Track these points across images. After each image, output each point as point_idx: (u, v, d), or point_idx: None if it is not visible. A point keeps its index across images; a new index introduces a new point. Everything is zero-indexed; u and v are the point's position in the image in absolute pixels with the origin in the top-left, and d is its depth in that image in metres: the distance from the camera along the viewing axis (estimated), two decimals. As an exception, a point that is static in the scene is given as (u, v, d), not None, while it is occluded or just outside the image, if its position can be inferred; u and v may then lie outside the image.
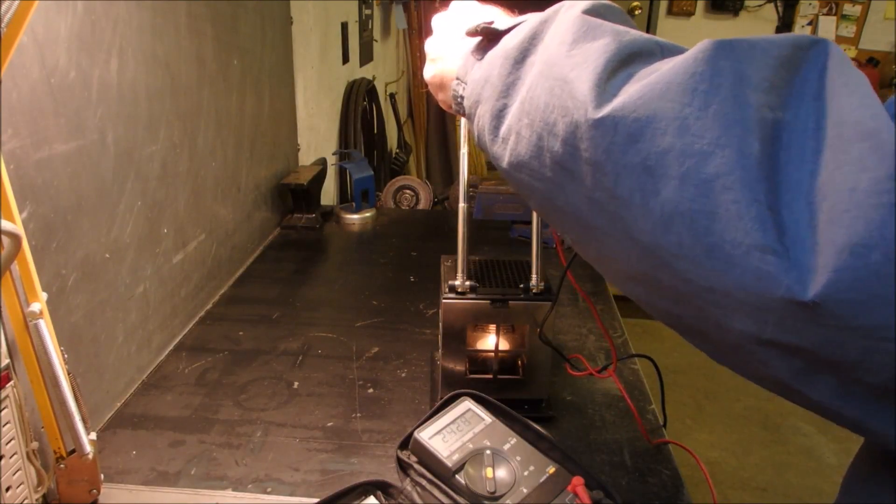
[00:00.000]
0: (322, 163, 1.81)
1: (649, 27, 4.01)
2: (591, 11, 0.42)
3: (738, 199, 0.31)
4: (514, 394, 0.90)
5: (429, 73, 0.61)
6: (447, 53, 0.58)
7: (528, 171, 0.43)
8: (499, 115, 0.46)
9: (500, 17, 0.53)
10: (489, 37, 0.51)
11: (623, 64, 0.38)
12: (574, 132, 0.38)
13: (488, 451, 0.70)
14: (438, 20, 0.61)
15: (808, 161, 0.31)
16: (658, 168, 0.34)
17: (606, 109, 0.36)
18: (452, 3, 0.62)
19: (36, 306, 0.65)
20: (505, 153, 0.45)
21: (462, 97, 0.52)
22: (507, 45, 0.47)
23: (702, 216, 0.32)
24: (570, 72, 0.39)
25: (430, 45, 0.61)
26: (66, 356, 0.69)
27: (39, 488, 0.71)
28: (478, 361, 0.91)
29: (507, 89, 0.45)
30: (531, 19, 0.47)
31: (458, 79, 0.53)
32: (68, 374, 0.69)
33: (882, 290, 0.27)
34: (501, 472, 0.69)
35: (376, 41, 2.75)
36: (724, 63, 0.33)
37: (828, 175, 0.30)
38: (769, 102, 0.32)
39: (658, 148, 0.34)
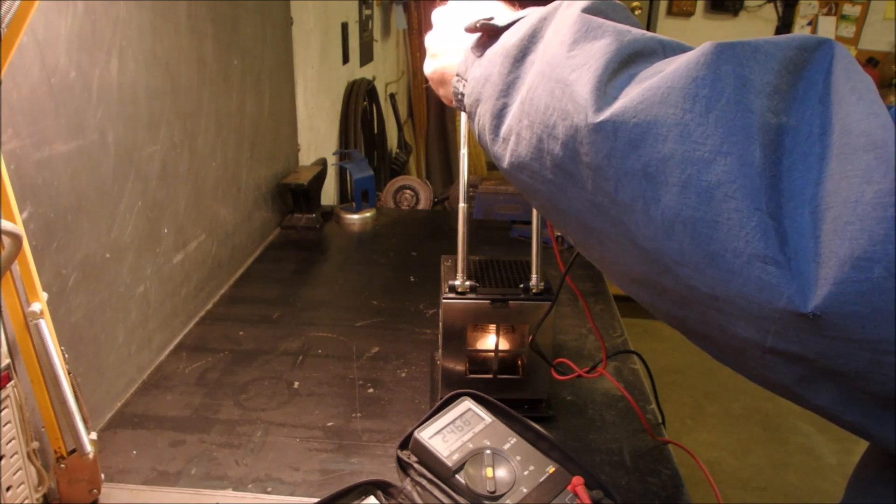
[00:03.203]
0: (322, 163, 1.81)
1: (649, 27, 4.01)
2: (592, 10, 0.41)
3: (739, 207, 0.31)
4: (514, 393, 0.90)
5: (429, 68, 0.60)
6: (447, 49, 0.57)
7: (529, 173, 0.42)
8: (499, 115, 0.45)
9: (500, 13, 0.53)
10: (489, 33, 0.50)
11: (624, 65, 0.37)
12: (574, 136, 0.37)
13: (488, 451, 0.70)
14: (438, 15, 0.61)
15: (813, 168, 0.30)
16: (659, 175, 0.33)
17: (606, 113, 0.35)
18: None
19: (36, 306, 0.65)
20: (506, 153, 0.44)
21: (463, 94, 0.52)
22: (507, 42, 0.46)
23: (703, 224, 0.32)
24: (571, 74, 0.38)
25: (430, 40, 0.60)
26: (66, 356, 0.69)
27: (40, 488, 0.71)
28: (478, 361, 0.91)
29: (508, 88, 0.45)
30: (531, 16, 0.46)
31: (458, 75, 0.53)
32: (69, 373, 0.69)
33: (884, 305, 0.27)
34: (501, 472, 0.69)
35: (376, 41, 2.75)
36: (727, 67, 0.33)
37: (833, 185, 0.29)
38: (772, 107, 0.32)
39: (659, 154, 0.33)
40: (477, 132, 0.50)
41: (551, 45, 0.42)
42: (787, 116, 0.32)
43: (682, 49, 0.38)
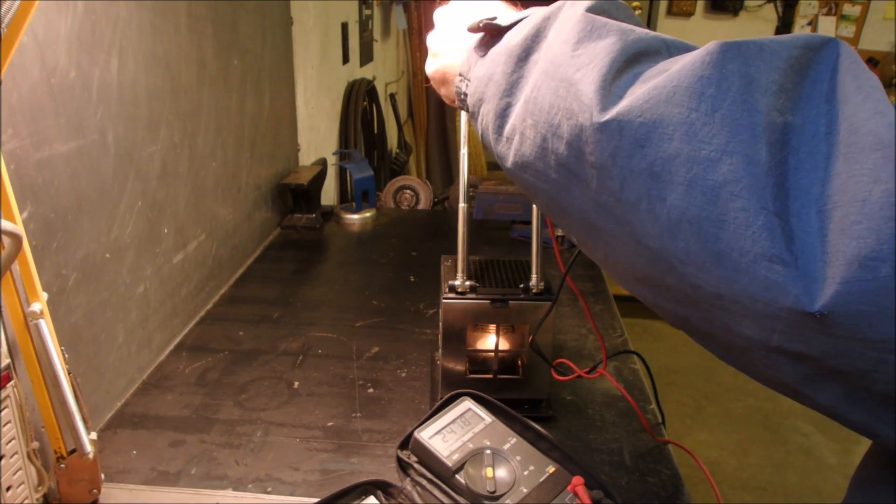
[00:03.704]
0: (322, 163, 1.81)
1: (649, 27, 3.99)
2: (596, 9, 0.41)
3: (745, 206, 0.31)
4: (514, 393, 0.90)
5: (431, 67, 0.60)
6: (449, 48, 0.57)
7: (533, 172, 0.42)
8: (502, 115, 0.45)
9: (502, 12, 0.53)
10: (492, 33, 0.50)
11: (628, 64, 0.37)
12: (579, 135, 0.37)
13: (488, 451, 0.70)
14: (440, 14, 0.61)
15: (819, 167, 0.30)
16: (664, 174, 0.33)
17: (612, 113, 0.35)
18: None
19: (36, 306, 0.65)
20: (509, 153, 0.44)
21: (465, 94, 0.52)
22: (510, 42, 0.46)
23: (709, 223, 0.32)
24: (575, 73, 0.38)
25: (432, 40, 0.60)
26: (66, 356, 0.68)
27: (40, 488, 0.71)
28: (478, 361, 0.91)
29: (511, 88, 0.45)
30: (534, 15, 0.46)
31: (460, 75, 0.53)
32: (69, 373, 0.69)
33: (890, 304, 0.27)
34: (501, 472, 0.69)
35: (376, 41, 2.75)
36: (732, 66, 0.33)
37: (840, 184, 0.29)
38: (778, 106, 0.32)
39: (664, 153, 0.33)
40: (480, 132, 0.50)
41: (555, 44, 0.42)
42: (793, 115, 0.32)
43: (686, 48, 0.37)
